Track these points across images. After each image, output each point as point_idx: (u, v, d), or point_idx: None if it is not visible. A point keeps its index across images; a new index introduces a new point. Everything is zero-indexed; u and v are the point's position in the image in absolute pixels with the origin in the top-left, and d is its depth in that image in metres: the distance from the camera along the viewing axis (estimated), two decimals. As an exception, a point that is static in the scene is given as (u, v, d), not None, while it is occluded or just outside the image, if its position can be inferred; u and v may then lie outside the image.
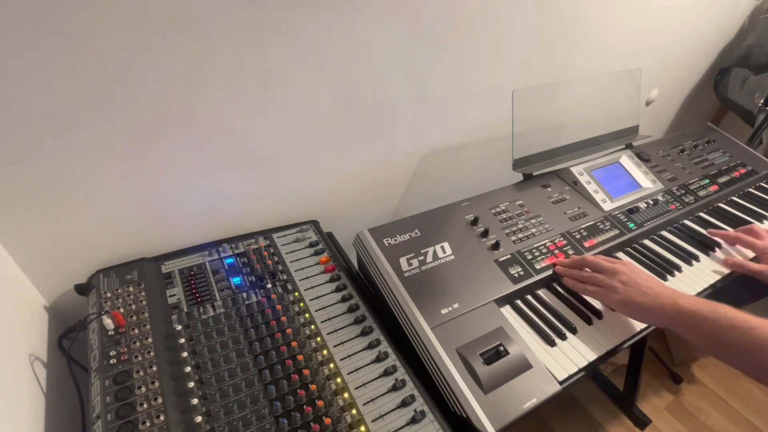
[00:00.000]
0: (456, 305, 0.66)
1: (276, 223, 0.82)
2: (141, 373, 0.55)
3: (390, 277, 0.68)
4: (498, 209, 0.85)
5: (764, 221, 0.95)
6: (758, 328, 0.54)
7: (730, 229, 0.90)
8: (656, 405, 1.32)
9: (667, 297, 0.63)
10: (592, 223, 0.87)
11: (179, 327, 0.61)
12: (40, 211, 0.62)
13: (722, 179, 1.05)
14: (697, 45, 1.45)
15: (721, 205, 1.00)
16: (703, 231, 0.91)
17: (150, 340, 0.59)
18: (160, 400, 0.52)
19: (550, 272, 0.75)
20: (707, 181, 1.03)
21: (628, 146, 1.08)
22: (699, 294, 0.77)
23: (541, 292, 0.75)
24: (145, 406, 0.51)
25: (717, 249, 0.86)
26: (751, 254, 0.85)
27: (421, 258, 0.72)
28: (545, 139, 0.98)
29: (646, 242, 0.88)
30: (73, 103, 0.56)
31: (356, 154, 0.89)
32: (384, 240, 0.73)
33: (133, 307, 0.63)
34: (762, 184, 1.08)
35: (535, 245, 0.79)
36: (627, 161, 1.02)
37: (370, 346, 0.62)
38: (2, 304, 0.57)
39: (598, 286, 0.70)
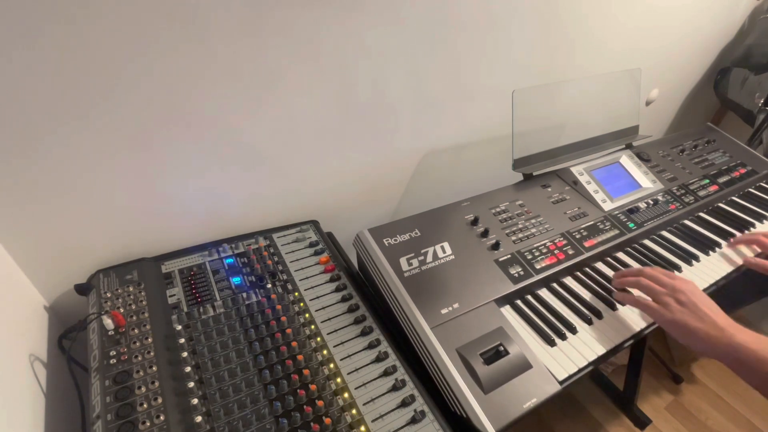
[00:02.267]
0: (456, 305, 0.66)
1: (276, 223, 0.82)
2: (141, 373, 0.55)
3: (390, 277, 0.68)
4: (498, 209, 0.85)
5: (764, 221, 0.95)
6: None
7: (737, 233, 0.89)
8: (656, 405, 1.32)
9: (723, 329, 0.59)
10: (592, 223, 0.87)
11: (179, 327, 0.61)
12: (40, 211, 0.62)
13: (722, 179, 1.05)
14: (697, 45, 1.45)
15: (721, 205, 1.00)
16: (704, 231, 0.91)
17: (150, 340, 0.59)
18: (160, 400, 0.52)
19: (550, 272, 0.75)
20: (707, 181, 1.03)
21: (628, 146, 1.08)
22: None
23: (541, 292, 0.75)
24: (145, 406, 0.51)
25: (717, 249, 0.86)
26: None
27: (421, 258, 0.72)
28: (545, 139, 0.98)
29: (646, 242, 0.88)
30: (72, 102, 0.56)
31: (356, 154, 0.89)
32: (384, 240, 0.73)
33: (133, 307, 0.63)
34: (762, 184, 1.08)
35: (535, 245, 0.79)
36: (627, 161, 1.02)
37: (370, 346, 0.62)
38: (2, 304, 0.57)
39: (652, 300, 0.66)
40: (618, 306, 0.72)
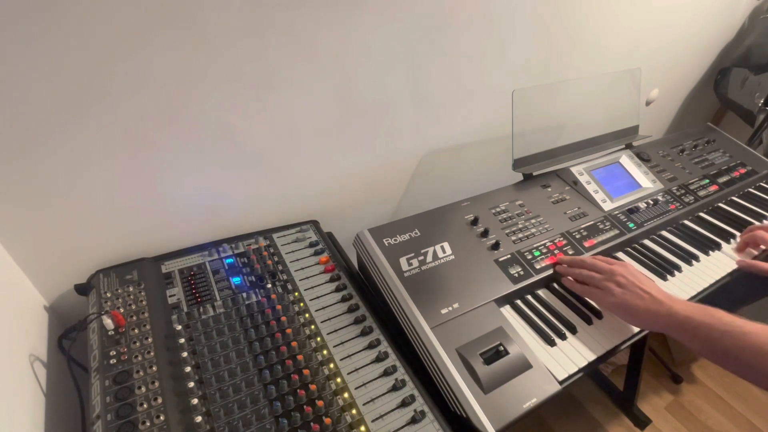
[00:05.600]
0: (456, 305, 0.66)
1: (276, 223, 0.82)
2: (141, 373, 0.55)
3: (390, 277, 0.68)
4: (498, 209, 0.85)
5: (764, 221, 0.95)
6: (752, 333, 0.54)
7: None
8: (656, 405, 1.32)
9: (661, 302, 0.63)
10: (592, 223, 0.87)
11: (179, 327, 0.61)
12: (40, 211, 0.62)
13: (722, 179, 1.05)
14: (697, 45, 1.45)
15: (721, 205, 1.00)
16: (704, 231, 0.91)
17: (150, 340, 0.59)
18: (160, 400, 0.52)
19: (550, 272, 0.75)
20: (707, 181, 1.03)
21: (628, 146, 1.08)
22: (700, 293, 0.77)
23: (541, 292, 0.75)
24: (145, 406, 0.51)
25: (717, 249, 0.86)
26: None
27: (421, 258, 0.72)
28: (545, 139, 0.98)
29: (646, 242, 0.88)
30: (72, 102, 0.56)
31: (356, 153, 0.89)
32: (384, 240, 0.73)
33: (133, 307, 0.63)
34: (762, 184, 1.08)
35: (535, 245, 0.79)
36: (627, 161, 1.02)
37: (370, 346, 0.62)
38: (2, 304, 0.57)
39: (595, 287, 0.70)
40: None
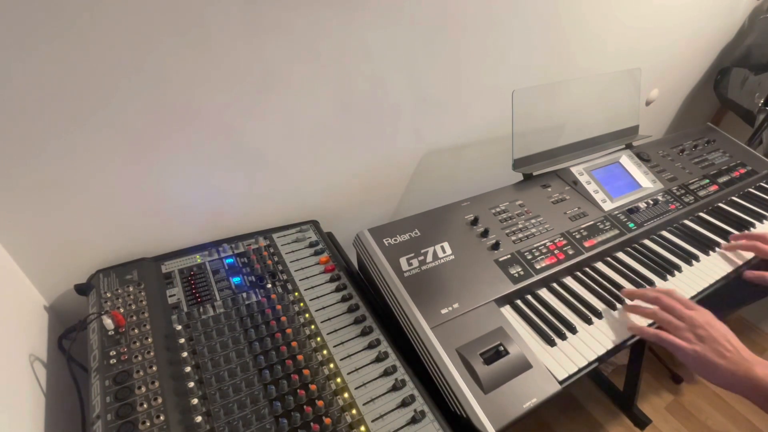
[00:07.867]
0: (456, 305, 0.66)
1: (276, 223, 0.82)
2: (141, 373, 0.55)
3: (390, 277, 0.68)
4: (498, 209, 0.85)
5: (764, 221, 0.95)
6: None
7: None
8: (656, 405, 1.32)
9: (740, 364, 0.58)
10: (592, 223, 0.87)
11: (179, 327, 0.61)
12: (40, 211, 0.62)
13: (722, 179, 1.05)
14: (697, 45, 1.45)
15: (721, 205, 1.00)
16: (704, 231, 0.91)
17: (150, 340, 0.59)
18: (160, 400, 0.52)
19: (550, 272, 0.75)
20: (707, 181, 1.03)
21: (628, 146, 1.08)
22: (700, 293, 0.77)
23: (541, 292, 0.75)
24: (145, 406, 0.51)
25: (717, 249, 0.86)
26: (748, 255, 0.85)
27: (421, 258, 0.72)
28: (545, 139, 0.98)
29: (646, 242, 0.88)
30: (75, 105, 0.56)
31: (356, 154, 0.89)
32: (384, 240, 0.73)
33: (133, 307, 0.63)
34: (762, 184, 1.08)
35: (535, 245, 0.79)
36: (627, 161, 1.02)
37: (370, 346, 0.62)
38: (2, 304, 0.57)
39: (672, 334, 0.64)
40: (618, 306, 0.72)
